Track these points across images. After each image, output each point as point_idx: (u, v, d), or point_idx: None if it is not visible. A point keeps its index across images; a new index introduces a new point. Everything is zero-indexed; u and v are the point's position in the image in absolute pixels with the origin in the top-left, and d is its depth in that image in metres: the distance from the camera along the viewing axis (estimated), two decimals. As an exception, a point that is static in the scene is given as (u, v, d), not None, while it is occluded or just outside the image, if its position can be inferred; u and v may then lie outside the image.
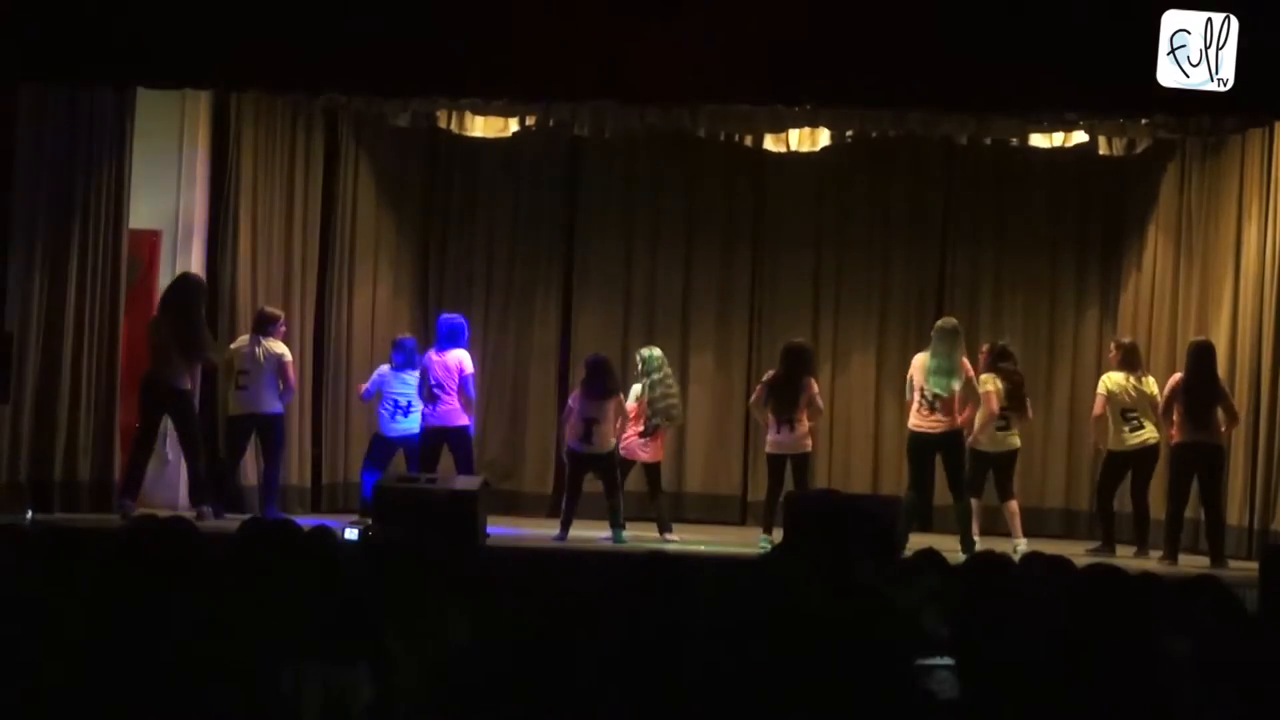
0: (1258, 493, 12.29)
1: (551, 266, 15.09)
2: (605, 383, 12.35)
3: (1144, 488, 12.45)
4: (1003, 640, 4.22)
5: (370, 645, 4.64)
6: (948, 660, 4.70)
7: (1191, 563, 11.61)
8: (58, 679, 3.57)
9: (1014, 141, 13.62)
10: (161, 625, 3.79)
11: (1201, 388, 11.85)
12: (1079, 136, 13.49)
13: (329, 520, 10.43)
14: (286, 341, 12.79)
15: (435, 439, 12.61)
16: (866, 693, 3.82)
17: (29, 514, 11.40)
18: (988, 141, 13.58)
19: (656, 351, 13.00)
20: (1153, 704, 3.59)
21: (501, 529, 12.17)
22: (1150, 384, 12.50)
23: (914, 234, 14.96)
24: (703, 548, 11.98)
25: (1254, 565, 10.15)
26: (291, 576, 5.11)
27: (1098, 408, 12.54)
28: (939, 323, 12.53)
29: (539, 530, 12.64)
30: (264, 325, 12.64)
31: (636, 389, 12.71)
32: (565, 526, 12.16)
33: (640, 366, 12.85)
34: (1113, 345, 12.95)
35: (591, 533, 12.25)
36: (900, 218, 14.98)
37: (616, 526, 12.12)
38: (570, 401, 12.63)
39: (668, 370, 12.95)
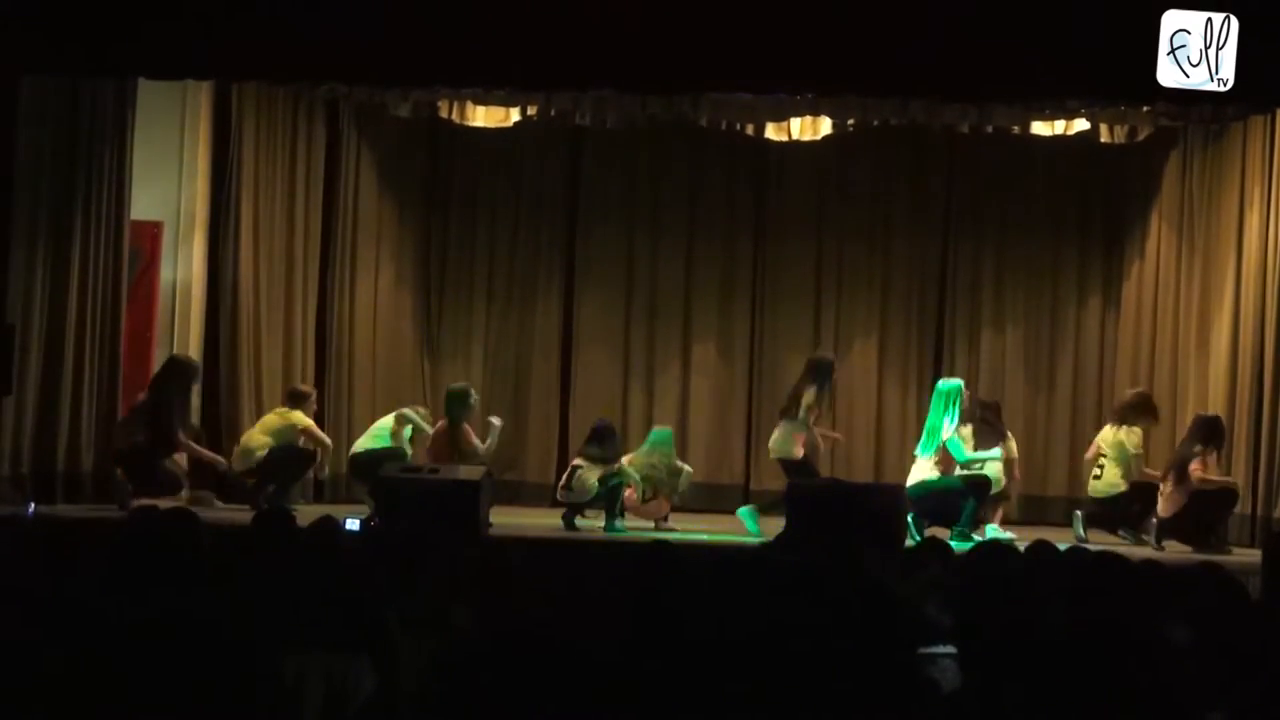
0: (1260, 480, 12.29)
1: (553, 256, 15.09)
2: (609, 449, 12.36)
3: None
4: (1006, 628, 4.21)
5: (372, 635, 4.64)
6: (950, 649, 4.70)
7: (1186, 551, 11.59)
8: (59, 670, 3.57)
9: (1015, 130, 13.60)
10: (163, 615, 3.78)
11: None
12: (1080, 124, 13.48)
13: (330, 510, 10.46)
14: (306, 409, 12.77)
15: None
16: (869, 681, 3.81)
17: (31, 505, 11.40)
18: (989, 129, 13.55)
19: (666, 432, 12.88)
20: (1156, 690, 3.58)
21: (504, 518, 12.16)
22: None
23: (916, 222, 14.94)
24: (705, 537, 11.97)
25: (1257, 552, 10.15)
26: (294, 566, 5.11)
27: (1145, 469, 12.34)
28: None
29: (542, 520, 12.62)
30: (294, 400, 12.66)
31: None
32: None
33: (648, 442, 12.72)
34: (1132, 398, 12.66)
35: (594, 523, 12.26)
36: (902, 206, 14.96)
37: (611, 518, 12.10)
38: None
39: (667, 450, 12.58)
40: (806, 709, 3.68)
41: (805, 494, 11.57)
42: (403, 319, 14.83)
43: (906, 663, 4.12)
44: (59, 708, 3.46)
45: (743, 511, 12.43)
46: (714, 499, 14.57)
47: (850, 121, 13.58)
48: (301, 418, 12.54)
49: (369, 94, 13.56)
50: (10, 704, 3.55)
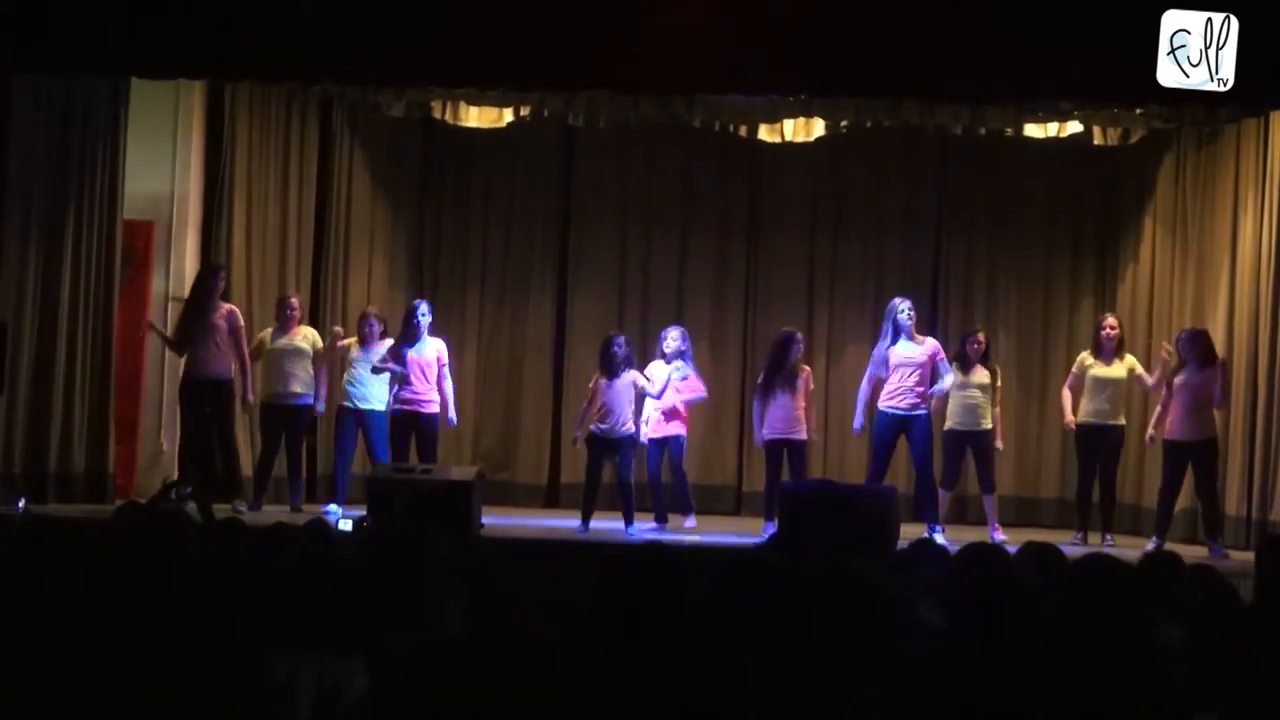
0: (1255, 483, 12.28)
1: (546, 256, 15.08)
2: (617, 363, 12.37)
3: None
4: (998, 630, 4.22)
5: (365, 635, 4.62)
6: (941, 649, 4.69)
7: (1190, 553, 11.59)
8: (50, 669, 3.56)
9: (1009, 131, 13.60)
10: (154, 615, 3.77)
11: None
12: (1074, 127, 13.49)
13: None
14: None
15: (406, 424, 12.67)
16: (862, 682, 3.81)
17: (22, 504, 11.39)
18: (982, 131, 13.55)
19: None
20: (1147, 691, 3.58)
21: (496, 519, 12.16)
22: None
23: (908, 224, 14.95)
24: (699, 538, 11.97)
25: (1250, 555, 10.17)
26: (286, 566, 5.10)
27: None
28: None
29: (534, 520, 12.63)
30: None
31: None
32: (586, 517, 12.17)
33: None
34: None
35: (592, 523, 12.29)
36: (895, 208, 14.97)
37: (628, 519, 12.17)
38: (591, 385, 12.62)
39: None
40: (800, 710, 3.68)
41: (797, 496, 11.57)
42: (396, 318, 14.80)
43: (900, 664, 4.12)
44: (51, 705, 3.46)
45: None
46: (707, 500, 14.56)
47: (843, 123, 13.59)
48: None
49: (362, 94, 13.57)
50: (2, 701, 3.54)
